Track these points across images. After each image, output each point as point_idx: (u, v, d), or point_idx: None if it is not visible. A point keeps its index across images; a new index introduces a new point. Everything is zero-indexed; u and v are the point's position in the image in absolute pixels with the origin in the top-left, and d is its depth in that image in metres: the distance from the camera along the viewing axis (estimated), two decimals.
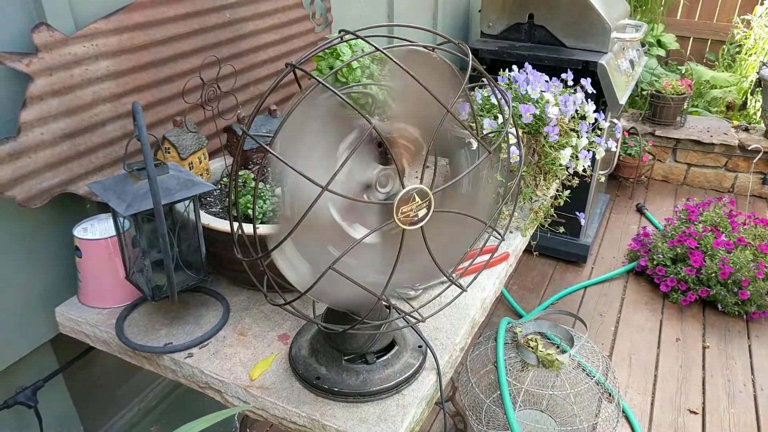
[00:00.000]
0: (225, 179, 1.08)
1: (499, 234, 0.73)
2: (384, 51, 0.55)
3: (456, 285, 0.72)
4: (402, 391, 0.82)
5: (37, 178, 0.89)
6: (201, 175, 1.06)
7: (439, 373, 0.85)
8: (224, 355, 0.89)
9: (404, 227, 0.62)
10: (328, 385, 0.81)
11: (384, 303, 0.80)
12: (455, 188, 0.68)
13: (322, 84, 0.56)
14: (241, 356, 0.89)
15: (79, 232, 0.96)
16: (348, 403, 0.80)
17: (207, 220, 0.91)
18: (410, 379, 0.83)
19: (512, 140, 1.02)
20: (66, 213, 0.99)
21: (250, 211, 0.95)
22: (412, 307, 0.78)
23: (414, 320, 0.75)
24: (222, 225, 0.90)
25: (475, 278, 0.78)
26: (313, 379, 0.82)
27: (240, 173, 1.02)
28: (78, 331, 0.98)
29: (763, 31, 3.74)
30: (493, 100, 1.19)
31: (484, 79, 0.72)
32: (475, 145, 0.87)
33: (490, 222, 0.70)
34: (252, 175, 1.03)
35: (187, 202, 0.88)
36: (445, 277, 0.70)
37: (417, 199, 0.62)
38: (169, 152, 1.00)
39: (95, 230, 0.97)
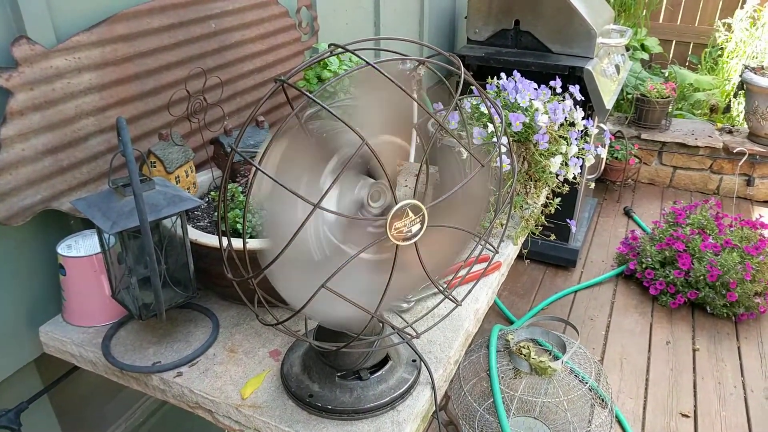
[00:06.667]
0: (213, 193, 1.07)
1: (493, 247, 0.72)
2: (375, 66, 0.54)
3: (450, 299, 0.71)
4: (397, 407, 0.81)
5: (19, 196, 0.87)
6: (188, 188, 1.04)
7: (434, 388, 0.84)
8: (214, 374, 0.87)
9: (398, 243, 0.61)
10: (322, 403, 0.79)
11: (378, 320, 0.79)
12: (447, 199, 0.67)
13: (312, 99, 0.55)
14: (231, 374, 0.87)
15: (62, 249, 0.93)
16: (342, 421, 0.79)
17: (195, 235, 0.89)
18: (405, 395, 0.82)
19: (503, 150, 1.01)
20: (49, 230, 0.97)
21: (238, 226, 0.93)
22: (406, 322, 0.77)
23: (408, 336, 0.74)
24: (210, 240, 0.88)
25: (469, 292, 0.77)
26: (305, 396, 0.80)
27: (228, 186, 1.00)
28: (63, 351, 0.95)
29: (743, 35, 3.79)
30: (483, 109, 1.18)
31: (473, 88, 0.71)
32: (465, 153, 0.86)
33: (483, 235, 0.70)
34: (240, 188, 1.02)
35: (174, 218, 0.86)
36: (437, 289, 0.69)
37: (410, 214, 0.61)
38: (155, 166, 0.98)
39: (79, 247, 0.95)
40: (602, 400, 1.70)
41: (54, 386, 1.06)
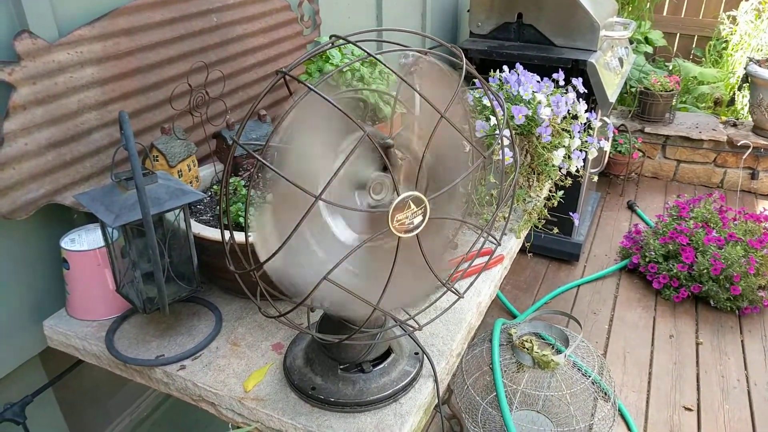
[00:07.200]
0: (215, 186, 1.07)
1: (496, 240, 0.72)
2: (376, 57, 0.54)
3: (453, 292, 0.71)
4: (399, 399, 0.81)
5: (22, 190, 0.87)
6: (190, 182, 1.04)
7: (436, 381, 0.84)
8: (217, 367, 0.87)
9: (400, 235, 0.61)
10: (324, 396, 0.79)
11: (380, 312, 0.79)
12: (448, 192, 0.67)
13: (313, 91, 0.55)
14: (234, 367, 0.87)
15: (66, 243, 0.94)
16: (345, 414, 0.79)
17: (198, 229, 0.89)
18: (407, 388, 0.82)
19: (506, 142, 1.01)
20: (53, 224, 0.97)
21: (241, 219, 0.93)
22: (408, 314, 0.77)
23: (411, 328, 0.74)
24: (213, 234, 0.89)
25: (471, 284, 0.77)
26: (308, 389, 0.80)
27: (230, 180, 1.00)
28: (67, 344, 0.96)
29: (748, 27, 3.76)
30: (485, 102, 1.18)
31: (476, 81, 0.71)
32: (467, 147, 0.86)
33: (486, 228, 0.69)
34: (243, 182, 1.02)
35: (177, 212, 0.86)
36: (439, 281, 0.69)
37: (412, 206, 0.61)
38: (157, 160, 0.99)
39: (83, 241, 0.95)
40: (605, 394, 1.70)
41: (58, 380, 1.06)
